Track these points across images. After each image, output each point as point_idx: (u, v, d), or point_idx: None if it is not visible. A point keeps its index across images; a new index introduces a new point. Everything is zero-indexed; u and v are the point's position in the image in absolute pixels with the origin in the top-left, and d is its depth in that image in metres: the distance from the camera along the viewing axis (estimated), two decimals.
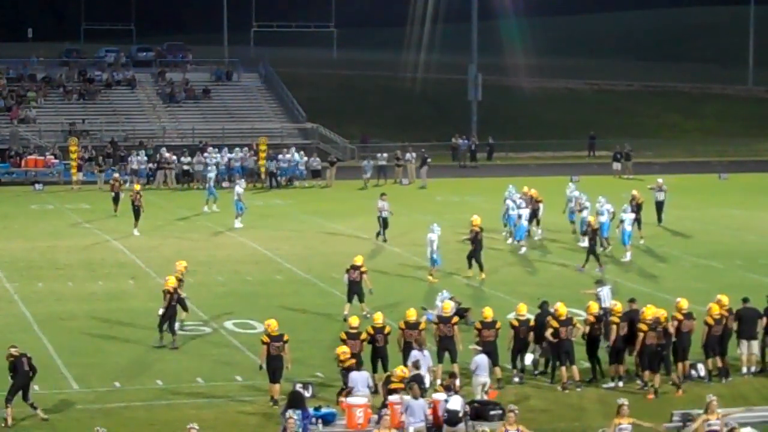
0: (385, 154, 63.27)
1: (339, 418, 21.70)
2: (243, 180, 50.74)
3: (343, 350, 22.93)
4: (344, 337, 23.77)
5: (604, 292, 28.15)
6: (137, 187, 46.61)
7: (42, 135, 67.09)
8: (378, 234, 42.17)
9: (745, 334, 25.75)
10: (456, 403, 21.10)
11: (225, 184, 60.08)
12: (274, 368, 23.31)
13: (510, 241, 41.74)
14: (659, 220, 46.07)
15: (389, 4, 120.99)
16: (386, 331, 24.15)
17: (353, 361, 22.76)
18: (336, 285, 34.83)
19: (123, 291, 34.26)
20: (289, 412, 20.17)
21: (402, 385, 21.87)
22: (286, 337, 23.62)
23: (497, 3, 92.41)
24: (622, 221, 39.70)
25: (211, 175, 52.18)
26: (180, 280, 29.07)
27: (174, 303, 27.75)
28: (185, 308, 28.75)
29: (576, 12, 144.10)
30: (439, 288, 31.70)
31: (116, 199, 47.50)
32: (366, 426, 21.14)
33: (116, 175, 51.84)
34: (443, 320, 24.88)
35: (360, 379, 22.48)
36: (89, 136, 67.52)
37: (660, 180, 47.28)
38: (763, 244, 42.86)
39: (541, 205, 43.15)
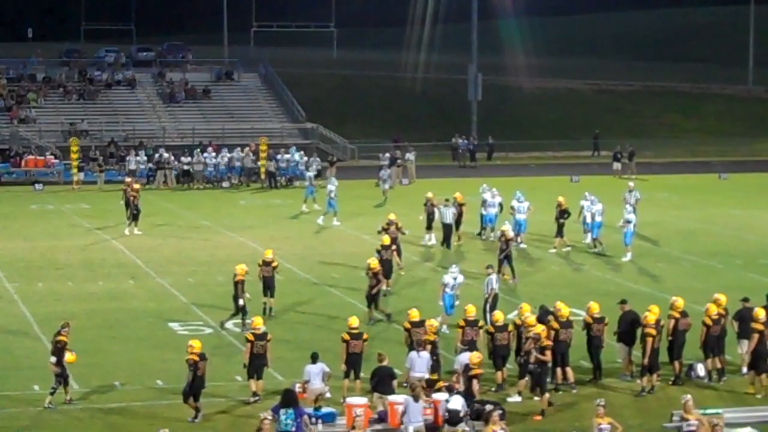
0: (387, 154, 63.18)
1: (339, 418, 21.72)
2: (335, 178, 50.32)
3: (191, 345, 22.91)
4: (347, 337, 23.73)
5: (493, 278, 29.14)
6: (137, 186, 46.33)
7: (42, 135, 67.09)
8: (443, 242, 40.68)
9: (745, 334, 25.74)
10: (457, 402, 21.12)
11: (225, 184, 60.21)
12: (257, 366, 23.46)
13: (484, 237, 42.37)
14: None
15: (389, 4, 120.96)
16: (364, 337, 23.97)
17: (196, 357, 22.66)
18: (336, 285, 34.89)
19: (123, 291, 34.27)
20: (263, 414, 20.12)
21: (481, 371, 22.22)
22: (269, 336, 23.75)
23: (497, 3, 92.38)
24: (628, 222, 39.62)
25: (311, 174, 52.08)
26: (274, 267, 30.73)
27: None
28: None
29: (576, 12, 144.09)
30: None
31: (128, 205, 45.38)
32: (366, 426, 21.14)
33: (128, 179, 48.66)
34: (469, 324, 24.84)
35: (315, 371, 22.62)
36: (89, 136, 67.57)
37: (631, 183, 46.80)
38: (763, 244, 42.86)
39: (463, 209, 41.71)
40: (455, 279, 29.57)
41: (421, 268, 37.95)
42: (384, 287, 32.08)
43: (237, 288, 29.11)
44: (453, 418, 20.93)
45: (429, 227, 41.37)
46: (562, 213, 40.76)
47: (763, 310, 25.04)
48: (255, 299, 30.14)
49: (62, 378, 23.40)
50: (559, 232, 40.57)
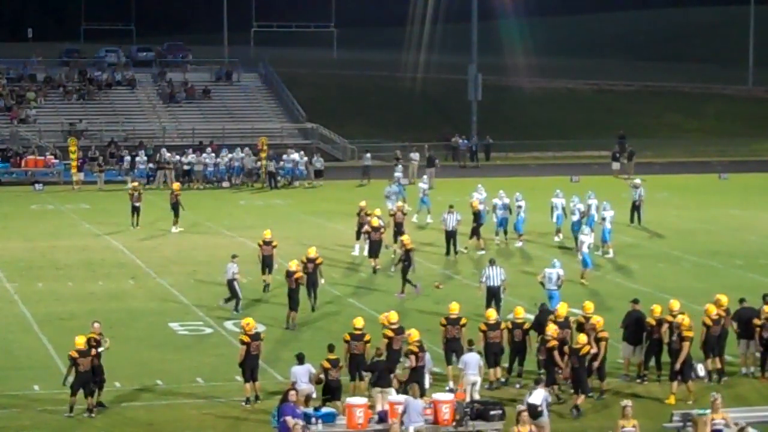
0: (368, 154, 63.31)
1: (339, 418, 21.70)
2: (426, 176, 49.84)
3: (78, 340, 22.97)
4: (348, 338, 23.73)
5: (495, 270, 29.69)
6: (177, 186, 46.86)
7: (42, 135, 67.10)
8: (449, 251, 39.27)
9: (744, 335, 25.80)
10: (537, 397, 21.22)
11: (225, 184, 60.20)
12: (252, 367, 23.41)
13: (498, 239, 42.23)
14: (639, 219, 45.83)
15: (389, 4, 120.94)
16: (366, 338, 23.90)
17: (75, 354, 22.75)
18: (336, 285, 34.90)
19: (123, 291, 34.28)
20: (289, 419, 20.13)
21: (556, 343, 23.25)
22: (262, 336, 23.77)
23: (497, 3, 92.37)
24: (603, 219, 39.79)
25: (398, 174, 51.82)
26: (273, 246, 33.88)
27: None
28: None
29: (576, 12, 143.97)
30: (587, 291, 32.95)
31: (135, 209, 45.45)
32: (366, 426, 21.14)
33: (135, 183, 48.06)
34: (451, 322, 24.83)
35: (301, 372, 22.58)
36: (90, 136, 67.60)
37: (637, 180, 47.40)
38: (763, 244, 42.87)
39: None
40: (559, 274, 30.13)
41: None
42: (374, 265, 36.20)
43: (317, 270, 31.32)
44: (531, 412, 20.99)
45: (358, 237, 39.47)
46: (476, 215, 40.42)
47: (686, 316, 24.55)
48: (255, 278, 30.30)
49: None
50: (475, 233, 40.20)
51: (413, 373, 23.03)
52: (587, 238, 35.65)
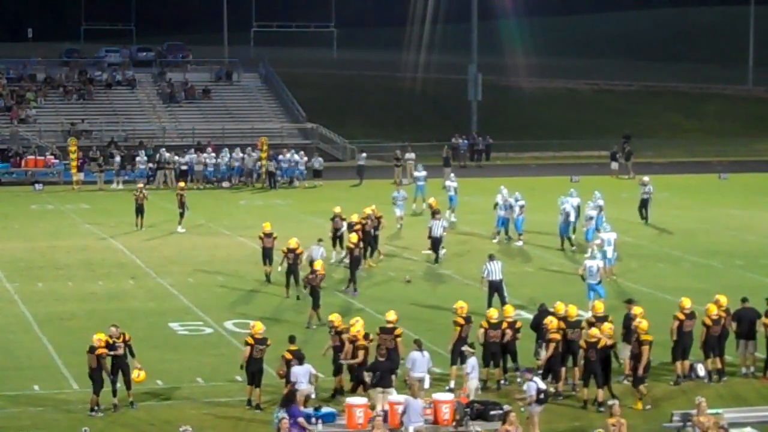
0: (364, 154, 63.31)
1: (339, 418, 21.72)
2: (453, 174, 50.16)
3: (94, 337, 23.03)
4: (352, 338, 23.72)
5: (495, 265, 30.22)
6: (181, 184, 47.20)
7: (42, 135, 67.09)
8: (438, 259, 38.36)
9: (744, 335, 25.79)
10: (541, 382, 21.56)
11: (225, 184, 60.21)
12: (254, 371, 23.28)
13: (497, 240, 42.19)
14: (646, 217, 46.39)
15: (389, 4, 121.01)
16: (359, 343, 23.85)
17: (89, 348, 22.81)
18: (336, 286, 34.87)
19: (123, 291, 34.28)
20: (281, 413, 20.16)
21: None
22: (269, 342, 23.67)
23: (497, 3, 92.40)
24: (590, 218, 39.84)
25: (422, 174, 52.09)
26: (274, 239, 35.04)
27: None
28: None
29: (576, 12, 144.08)
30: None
31: (140, 211, 45.21)
32: (366, 426, 21.16)
33: (140, 185, 47.68)
34: (468, 321, 24.78)
35: (301, 372, 22.56)
36: (90, 137, 67.58)
37: (646, 178, 47.55)
38: (763, 244, 42.87)
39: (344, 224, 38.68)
40: (599, 266, 30.60)
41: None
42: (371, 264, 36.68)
43: (298, 260, 32.56)
44: (547, 397, 21.38)
45: (335, 244, 38.67)
46: (435, 212, 39.85)
47: (645, 320, 24.26)
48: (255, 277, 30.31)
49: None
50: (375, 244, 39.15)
51: (359, 369, 23.16)
52: (611, 235, 35.69)
